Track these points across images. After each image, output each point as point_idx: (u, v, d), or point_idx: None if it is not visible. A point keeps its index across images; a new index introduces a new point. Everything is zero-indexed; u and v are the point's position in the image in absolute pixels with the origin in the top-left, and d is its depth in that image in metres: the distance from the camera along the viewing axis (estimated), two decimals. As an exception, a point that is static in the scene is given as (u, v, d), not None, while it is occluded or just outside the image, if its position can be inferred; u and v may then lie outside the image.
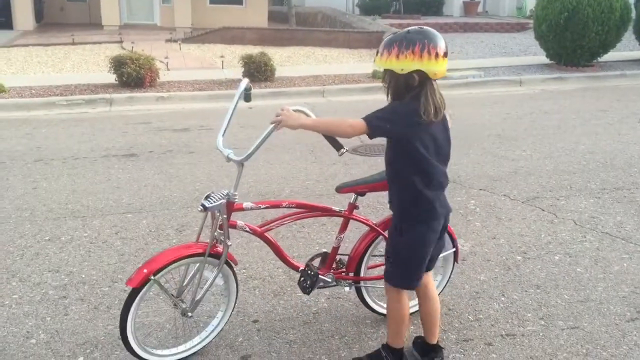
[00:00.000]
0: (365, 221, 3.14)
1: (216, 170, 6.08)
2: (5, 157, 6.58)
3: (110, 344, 3.05)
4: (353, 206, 3.05)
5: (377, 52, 2.51)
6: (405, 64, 2.42)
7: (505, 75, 12.25)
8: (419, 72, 2.43)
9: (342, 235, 3.08)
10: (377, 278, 3.19)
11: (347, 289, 3.20)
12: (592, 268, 3.96)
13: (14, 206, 5.07)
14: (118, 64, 10.38)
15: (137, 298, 2.69)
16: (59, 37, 15.93)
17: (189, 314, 2.89)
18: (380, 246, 3.15)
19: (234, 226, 2.84)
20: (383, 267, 2.97)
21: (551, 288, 3.69)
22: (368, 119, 2.45)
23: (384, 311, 3.20)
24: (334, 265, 3.13)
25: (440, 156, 2.61)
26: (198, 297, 2.87)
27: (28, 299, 3.51)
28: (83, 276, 3.81)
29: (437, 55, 2.41)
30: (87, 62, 13.00)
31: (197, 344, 3.01)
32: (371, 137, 2.47)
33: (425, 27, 2.49)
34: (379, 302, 3.32)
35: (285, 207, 2.97)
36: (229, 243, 2.80)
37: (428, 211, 2.62)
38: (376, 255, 3.23)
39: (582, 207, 5.08)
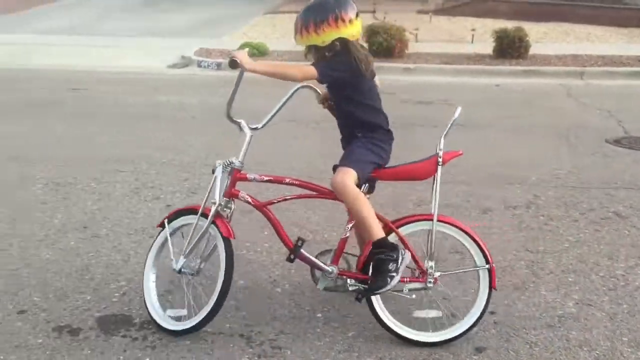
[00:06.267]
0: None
1: (462, 144, 5.87)
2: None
3: (345, 307, 3.11)
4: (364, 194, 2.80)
5: (295, 31, 2.76)
6: (325, 37, 2.68)
7: None
8: (340, 40, 2.69)
9: (349, 225, 2.82)
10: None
11: (350, 288, 2.82)
12: None
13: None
14: (371, 33, 10.63)
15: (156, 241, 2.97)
16: (318, 5, 16.89)
17: (179, 268, 2.86)
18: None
19: (236, 195, 2.84)
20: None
21: None
22: (317, 64, 2.70)
23: (401, 331, 2.82)
24: (342, 262, 2.88)
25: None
26: (188, 255, 2.86)
27: (277, 249, 3.75)
28: (325, 236, 3.97)
29: (350, 20, 2.67)
30: (341, 30, 13.58)
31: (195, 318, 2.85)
32: (321, 81, 2.73)
33: None
34: (395, 319, 2.84)
35: (286, 183, 2.89)
36: (227, 209, 2.83)
37: (387, 142, 2.87)
38: None
39: None
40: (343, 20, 2.65)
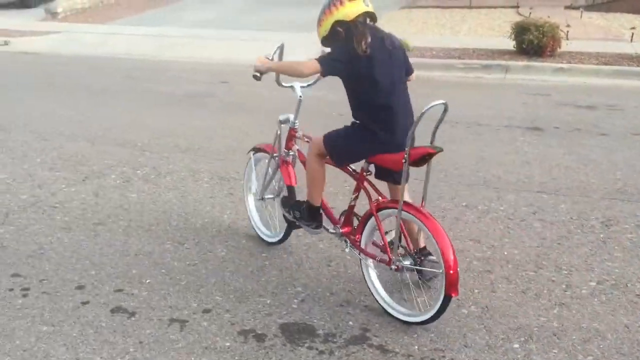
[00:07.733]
0: (367, 192, 3.06)
1: (637, 157, 5.33)
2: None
3: (546, 338, 2.82)
4: (363, 171, 3.05)
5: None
6: (325, 26, 2.92)
7: None
8: (339, 24, 2.86)
9: (354, 196, 3.12)
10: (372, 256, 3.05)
11: (347, 250, 3.20)
12: None
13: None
14: (520, 30, 10.04)
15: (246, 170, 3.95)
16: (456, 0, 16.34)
17: (258, 196, 3.80)
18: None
19: (290, 148, 3.50)
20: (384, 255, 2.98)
21: None
22: (320, 58, 2.84)
23: (383, 304, 3.03)
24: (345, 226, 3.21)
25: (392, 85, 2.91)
26: (265, 183, 3.69)
27: (463, 267, 3.49)
28: (505, 253, 3.67)
29: (341, 2, 2.84)
30: (482, 26, 13.01)
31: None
32: (324, 74, 2.89)
33: None
34: (380, 288, 3.07)
35: None
36: (283, 154, 3.50)
37: (376, 133, 2.91)
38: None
39: None
40: (335, 5, 2.85)
